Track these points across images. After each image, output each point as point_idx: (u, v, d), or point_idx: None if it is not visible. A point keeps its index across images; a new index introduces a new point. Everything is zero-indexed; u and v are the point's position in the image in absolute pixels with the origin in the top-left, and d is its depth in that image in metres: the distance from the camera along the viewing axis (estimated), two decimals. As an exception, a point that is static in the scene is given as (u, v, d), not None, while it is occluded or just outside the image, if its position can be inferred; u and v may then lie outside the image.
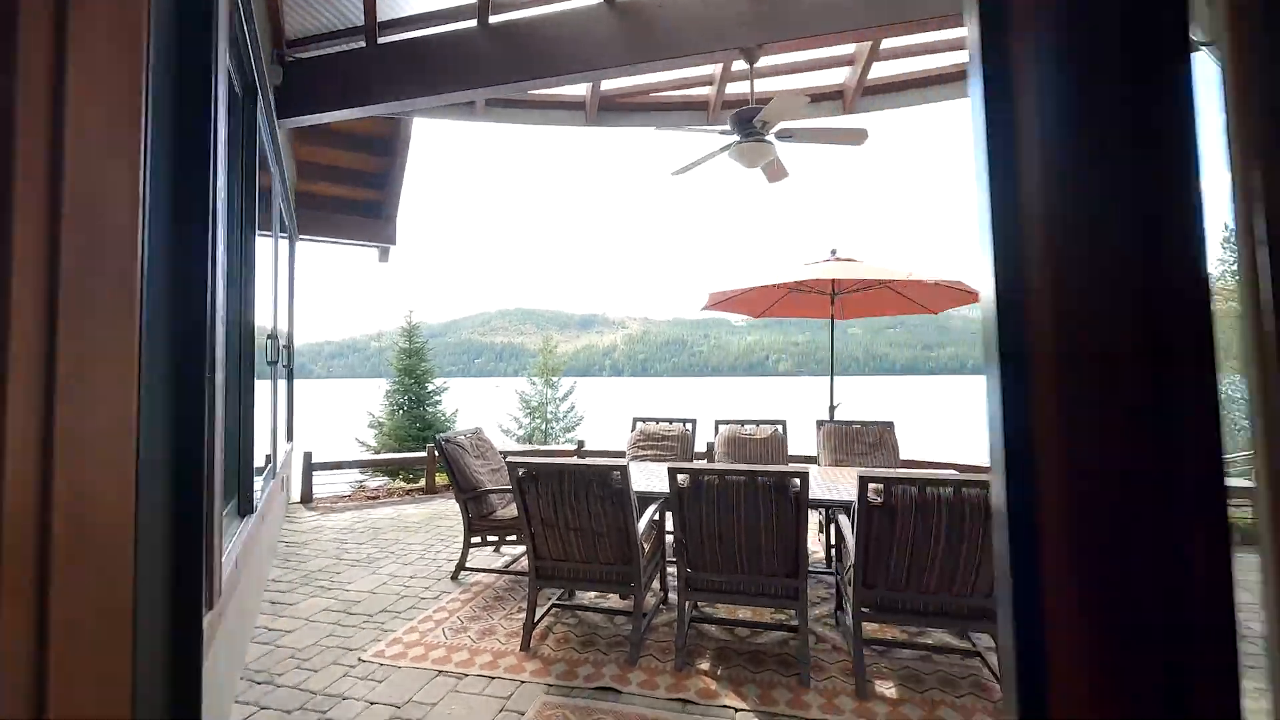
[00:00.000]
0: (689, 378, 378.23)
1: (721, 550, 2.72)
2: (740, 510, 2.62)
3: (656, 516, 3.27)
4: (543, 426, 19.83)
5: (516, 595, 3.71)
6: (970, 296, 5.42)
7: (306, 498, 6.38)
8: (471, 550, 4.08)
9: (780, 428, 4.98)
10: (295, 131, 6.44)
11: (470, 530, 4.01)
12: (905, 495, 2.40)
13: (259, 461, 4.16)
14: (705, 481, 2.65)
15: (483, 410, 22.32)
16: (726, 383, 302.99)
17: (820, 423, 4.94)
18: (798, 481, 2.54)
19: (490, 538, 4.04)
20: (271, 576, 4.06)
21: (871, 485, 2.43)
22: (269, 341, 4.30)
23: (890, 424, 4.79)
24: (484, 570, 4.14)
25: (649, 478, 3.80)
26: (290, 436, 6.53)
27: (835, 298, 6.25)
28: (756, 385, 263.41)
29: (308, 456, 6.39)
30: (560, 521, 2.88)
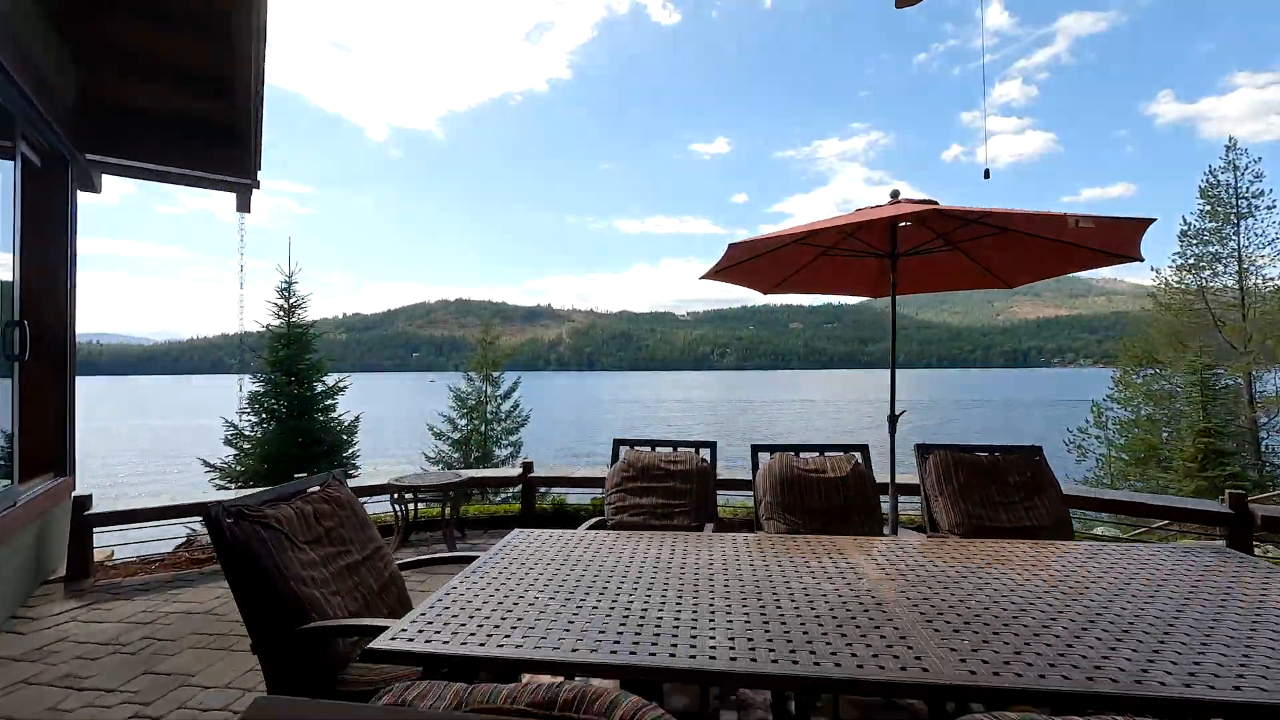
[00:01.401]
0: (638, 372, 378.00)
1: None
2: None
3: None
4: (481, 428, 17.41)
5: None
6: (1101, 258, 3.71)
7: (79, 572, 3.94)
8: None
9: (859, 457, 3.07)
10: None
11: (291, 709, 1.84)
12: None
13: None
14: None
15: (415, 408, 19.53)
16: (677, 377, 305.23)
17: (924, 449, 3.04)
18: None
19: None
20: None
21: None
22: None
23: (1038, 449, 2.97)
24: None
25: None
26: (63, 469, 4.08)
27: (896, 260, 4.41)
28: (708, 380, 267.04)
29: (80, 505, 3.94)
30: None
